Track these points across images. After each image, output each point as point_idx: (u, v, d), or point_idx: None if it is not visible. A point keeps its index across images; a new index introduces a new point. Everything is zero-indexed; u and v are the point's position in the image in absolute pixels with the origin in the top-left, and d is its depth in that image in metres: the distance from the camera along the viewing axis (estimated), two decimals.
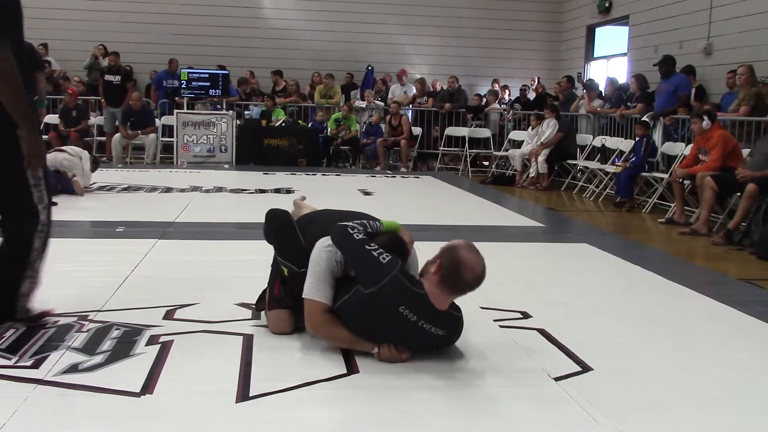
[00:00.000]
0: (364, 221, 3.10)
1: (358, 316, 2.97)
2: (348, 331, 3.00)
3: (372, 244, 2.96)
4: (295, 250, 3.25)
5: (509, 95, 14.48)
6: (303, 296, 3.05)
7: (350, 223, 3.04)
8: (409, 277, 2.96)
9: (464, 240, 3.02)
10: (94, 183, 8.76)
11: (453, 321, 3.02)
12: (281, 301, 3.30)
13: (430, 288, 2.89)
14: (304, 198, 4.49)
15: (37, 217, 3.22)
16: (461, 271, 2.87)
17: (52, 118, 12.44)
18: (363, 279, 2.95)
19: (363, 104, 13.49)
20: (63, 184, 7.67)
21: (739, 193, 6.67)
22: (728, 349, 3.43)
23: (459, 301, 3.07)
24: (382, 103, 13.47)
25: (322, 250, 3.07)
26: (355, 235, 2.98)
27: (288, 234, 3.33)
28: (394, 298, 2.86)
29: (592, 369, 3.05)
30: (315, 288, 3.03)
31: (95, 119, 12.78)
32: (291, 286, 3.25)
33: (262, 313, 3.57)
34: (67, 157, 7.79)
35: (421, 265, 3.14)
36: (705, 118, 7.28)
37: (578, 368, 3.05)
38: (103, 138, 12.56)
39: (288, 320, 3.27)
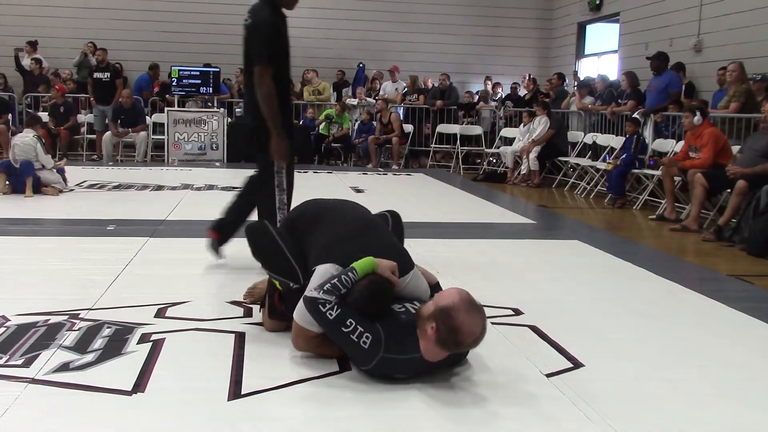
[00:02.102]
0: (335, 281, 2.79)
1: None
2: (338, 348, 2.89)
3: (349, 323, 2.70)
4: (283, 266, 3.16)
5: (501, 92, 14.50)
6: (294, 317, 2.94)
7: (320, 296, 2.75)
8: (397, 345, 2.71)
9: (460, 295, 2.71)
10: (85, 181, 8.74)
11: (455, 358, 2.87)
12: (283, 315, 3.24)
13: (427, 347, 2.70)
14: None
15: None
16: (460, 339, 2.66)
17: (41, 116, 12.38)
18: (350, 357, 2.84)
19: (354, 101, 13.48)
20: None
21: (729, 190, 6.69)
22: (719, 344, 3.45)
23: None
24: (374, 101, 13.46)
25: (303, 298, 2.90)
26: (327, 313, 2.72)
27: (271, 250, 3.21)
28: (386, 372, 2.75)
29: (584, 365, 3.06)
30: (305, 313, 2.86)
31: (85, 117, 12.72)
32: (288, 303, 3.17)
33: (254, 309, 3.58)
34: (21, 147, 7.58)
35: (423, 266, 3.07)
36: (697, 113, 7.32)
37: (570, 365, 3.06)
38: (94, 136, 12.51)
39: (285, 326, 3.25)
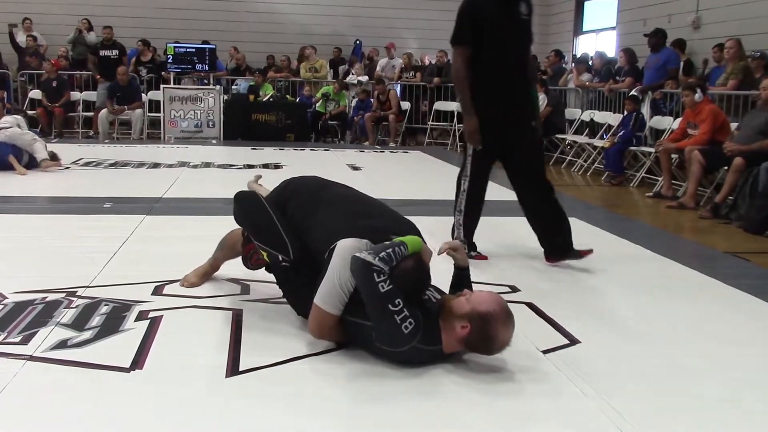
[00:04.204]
0: (390, 251, 2.63)
1: (364, 344, 2.79)
2: (344, 335, 2.85)
3: (397, 302, 2.56)
4: (274, 239, 2.99)
5: None
6: (315, 302, 2.75)
7: (375, 262, 2.58)
8: (428, 338, 2.65)
9: (499, 304, 2.67)
10: (81, 159, 8.72)
11: None
12: (245, 262, 3.33)
13: (449, 341, 2.68)
14: (259, 177, 4.20)
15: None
16: (490, 346, 2.66)
17: (37, 94, 12.34)
18: (378, 335, 2.66)
19: (354, 79, 13.37)
20: (32, 158, 7.67)
21: (726, 167, 6.69)
22: (715, 321, 3.46)
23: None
24: (366, 78, 13.38)
25: (350, 256, 2.69)
26: (380, 284, 2.55)
27: (262, 221, 3.06)
28: (406, 358, 2.68)
29: (580, 342, 3.07)
30: (331, 297, 2.71)
31: (81, 95, 12.66)
32: (277, 276, 3.13)
33: (251, 287, 3.58)
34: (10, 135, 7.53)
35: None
36: (698, 90, 7.30)
37: (566, 341, 3.08)
38: (90, 113, 12.46)
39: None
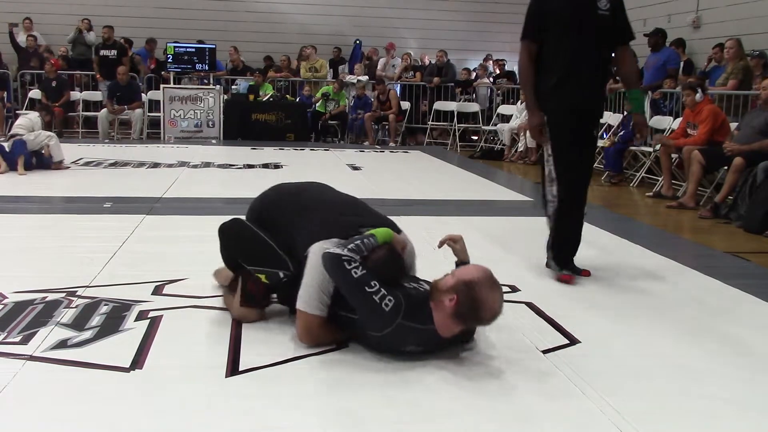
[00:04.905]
0: (358, 242, 2.75)
1: (361, 338, 2.82)
2: (339, 333, 2.87)
3: (373, 284, 2.63)
4: (270, 257, 2.99)
5: (497, 69, 14.42)
6: (298, 308, 2.82)
7: (344, 253, 2.68)
8: (414, 314, 2.68)
9: (483, 271, 2.74)
10: (81, 159, 8.72)
11: (464, 336, 2.89)
12: (257, 302, 3.13)
13: (441, 320, 2.70)
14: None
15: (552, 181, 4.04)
16: (480, 313, 2.68)
17: (37, 93, 12.33)
18: (364, 321, 2.71)
19: (354, 79, 13.36)
20: (38, 159, 7.71)
21: (726, 167, 6.70)
22: (715, 321, 3.46)
23: None
24: (366, 77, 13.37)
25: (321, 256, 2.77)
26: (352, 272, 2.64)
27: (254, 243, 3.03)
28: (399, 341, 2.72)
29: (580, 342, 3.08)
30: (312, 299, 2.78)
31: (81, 94, 12.66)
32: (280, 294, 3.13)
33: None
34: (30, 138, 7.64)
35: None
36: (698, 90, 7.30)
37: (566, 341, 3.08)
38: (89, 113, 12.47)
39: (256, 315, 3.14)
